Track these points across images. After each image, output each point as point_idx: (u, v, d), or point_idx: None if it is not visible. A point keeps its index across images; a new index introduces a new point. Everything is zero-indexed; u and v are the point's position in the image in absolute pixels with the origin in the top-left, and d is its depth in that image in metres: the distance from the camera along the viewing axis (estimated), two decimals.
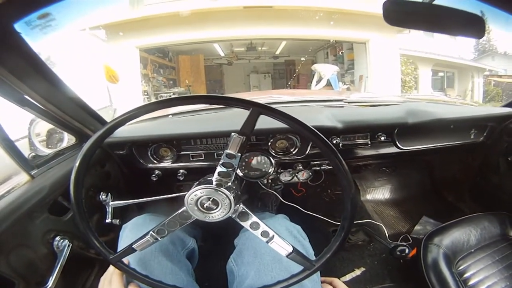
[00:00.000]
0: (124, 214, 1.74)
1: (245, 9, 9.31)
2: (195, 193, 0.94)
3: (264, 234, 0.99)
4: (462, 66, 12.06)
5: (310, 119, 1.69)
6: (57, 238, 1.33)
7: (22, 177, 1.32)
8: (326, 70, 10.50)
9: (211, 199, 0.95)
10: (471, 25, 1.13)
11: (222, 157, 0.92)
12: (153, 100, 10.04)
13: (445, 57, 11.90)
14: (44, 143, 1.65)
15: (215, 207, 0.96)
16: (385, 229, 2.42)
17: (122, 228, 1.39)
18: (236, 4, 9.26)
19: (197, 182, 1.01)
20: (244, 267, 1.23)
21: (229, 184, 0.95)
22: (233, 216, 0.99)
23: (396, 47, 10.51)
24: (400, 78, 10.77)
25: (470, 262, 1.64)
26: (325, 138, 0.86)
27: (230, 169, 0.93)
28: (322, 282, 1.25)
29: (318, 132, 0.86)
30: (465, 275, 1.58)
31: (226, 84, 14.84)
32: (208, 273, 1.63)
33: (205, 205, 0.95)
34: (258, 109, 0.84)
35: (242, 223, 1.00)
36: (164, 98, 0.87)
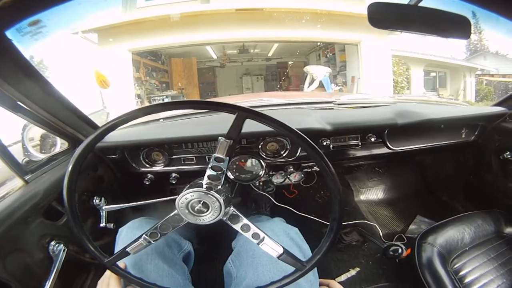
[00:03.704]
0: (119, 218, 1.75)
1: (237, 11, 9.31)
2: (186, 196, 0.95)
3: (255, 236, 1.00)
4: (454, 66, 12.08)
5: (299, 122, 1.71)
6: (53, 243, 1.34)
7: (16, 182, 1.33)
8: (318, 71, 10.53)
9: (201, 202, 0.95)
10: (457, 26, 1.15)
11: (211, 160, 0.93)
12: (146, 103, 10.05)
13: (437, 57, 11.92)
14: (38, 148, 1.66)
15: (205, 210, 0.97)
16: (379, 229, 2.43)
17: (119, 231, 1.41)
18: (227, 7, 9.27)
19: (188, 186, 1.02)
20: (243, 268, 1.24)
21: (219, 187, 0.97)
22: (224, 218, 1.00)
23: (387, 48, 10.52)
24: (392, 78, 10.77)
25: (465, 260, 1.65)
26: (310, 140, 0.87)
27: (219, 172, 0.94)
28: (320, 284, 1.26)
29: (303, 135, 0.87)
30: (460, 273, 1.59)
31: (219, 87, 14.82)
32: (204, 275, 1.64)
33: (195, 208, 0.96)
34: (244, 113, 0.86)
35: (233, 226, 1.01)
36: (153, 104, 0.88)
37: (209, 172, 0.95)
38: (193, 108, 1.09)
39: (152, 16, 9.11)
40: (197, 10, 9.19)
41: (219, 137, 0.91)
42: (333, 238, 0.96)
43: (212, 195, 0.94)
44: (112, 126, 0.90)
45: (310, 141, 0.87)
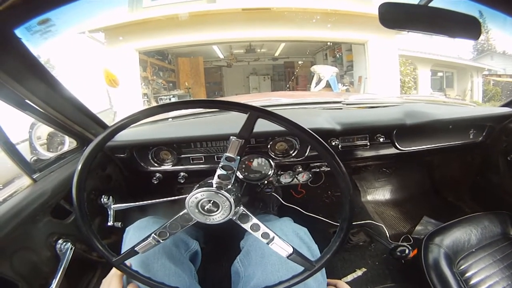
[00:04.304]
0: (126, 217, 1.75)
1: (244, 11, 9.30)
2: (196, 195, 0.95)
3: (265, 235, 1.00)
4: (461, 66, 12.00)
5: (308, 122, 1.71)
6: (60, 241, 1.35)
7: (24, 181, 1.33)
8: (325, 71, 10.53)
9: (211, 202, 0.95)
10: (467, 26, 1.14)
11: (222, 160, 0.93)
12: (153, 102, 10.07)
13: (444, 57, 11.85)
14: (45, 146, 1.66)
15: (215, 210, 0.97)
16: (386, 230, 2.43)
17: (126, 231, 1.41)
18: (234, 6, 9.27)
19: (198, 185, 1.02)
20: (251, 267, 1.25)
21: (229, 186, 0.96)
22: (234, 218, 1.00)
23: (394, 47, 10.47)
24: (399, 78, 10.73)
25: (471, 262, 1.64)
26: (322, 140, 0.87)
27: (230, 171, 0.94)
28: (327, 284, 1.26)
29: (315, 134, 0.86)
30: (467, 275, 1.59)
31: (226, 86, 14.79)
32: (211, 275, 1.64)
33: (205, 208, 0.96)
34: (256, 112, 0.85)
35: (242, 225, 1.01)
36: (164, 103, 0.89)
37: (219, 171, 0.95)
38: (205, 108, 1.09)
39: (158, 16, 9.13)
40: (203, 10, 9.19)
41: (231, 137, 0.90)
42: (343, 238, 0.96)
43: (222, 195, 0.94)
44: (123, 125, 0.90)
45: (322, 141, 0.87)
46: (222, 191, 0.94)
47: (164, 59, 12.29)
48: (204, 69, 13.28)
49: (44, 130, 1.64)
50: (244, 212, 1.00)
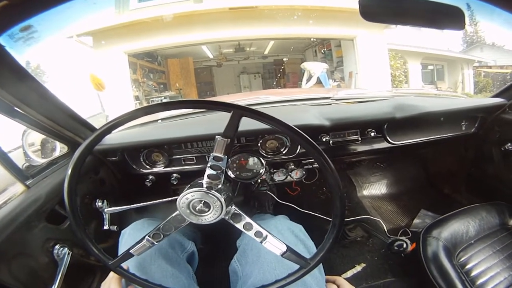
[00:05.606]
0: (122, 220, 1.75)
1: (231, 10, 9.28)
2: (186, 196, 0.95)
3: (258, 234, 1.00)
4: (451, 59, 12.02)
5: (296, 118, 1.70)
6: (57, 247, 1.35)
7: (18, 188, 1.32)
8: (315, 68, 10.50)
9: (202, 202, 0.95)
10: (451, 17, 1.14)
11: (210, 160, 0.93)
12: (145, 104, 10.06)
13: (433, 50, 11.88)
14: (39, 153, 1.65)
15: (207, 210, 0.96)
16: (383, 224, 2.43)
17: (121, 233, 1.42)
18: (221, 5, 9.25)
19: (189, 186, 1.02)
20: (248, 266, 1.25)
21: (220, 186, 0.96)
22: (226, 217, 1.00)
23: (384, 42, 10.47)
24: (389, 73, 10.73)
25: (471, 254, 1.65)
26: (306, 136, 0.87)
27: (219, 171, 0.94)
28: (326, 281, 1.26)
29: (299, 130, 0.87)
30: (467, 267, 1.59)
31: (217, 86, 14.77)
32: (210, 275, 1.64)
33: (197, 208, 0.96)
34: (239, 111, 0.86)
35: (235, 225, 1.01)
36: (148, 105, 0.88)
37: (208, 171, 0.95)
38: (189, 108, 1.09)
39: (146, 18, 9.09)
40: (190, 10, 9.16)
41: (216, 136, 0.91)
42: (336, 234, 0.96)
43: (212, 195, 0.93)
44: (109, 128, 0.90)
45: (307, 137, 0.87)
46: (212, 191, 0.93)
47: (153, 61, 12.26)
48: (194, 69, 13.26)
49: (37, 137, 1.64)
50: (236, 212, 1.00)
